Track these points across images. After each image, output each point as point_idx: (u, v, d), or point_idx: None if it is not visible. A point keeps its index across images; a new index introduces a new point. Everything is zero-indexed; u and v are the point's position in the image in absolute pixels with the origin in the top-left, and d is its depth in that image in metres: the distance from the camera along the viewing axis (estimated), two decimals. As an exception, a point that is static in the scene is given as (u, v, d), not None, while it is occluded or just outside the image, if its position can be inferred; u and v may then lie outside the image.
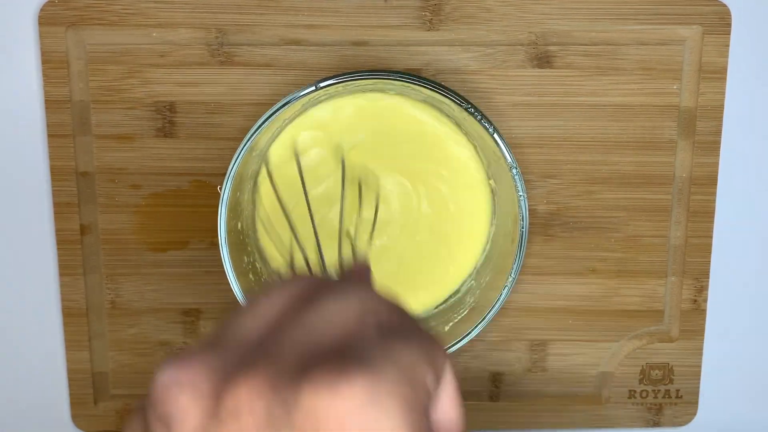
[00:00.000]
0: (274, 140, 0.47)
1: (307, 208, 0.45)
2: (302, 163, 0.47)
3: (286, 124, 0.47)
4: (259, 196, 0.48)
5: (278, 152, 0.47)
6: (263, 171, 0.47)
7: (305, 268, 0.43)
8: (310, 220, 0.45)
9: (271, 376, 0.22)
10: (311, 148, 0.47)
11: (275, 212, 0.47)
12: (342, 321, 0.24)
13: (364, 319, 0.24)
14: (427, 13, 0.48)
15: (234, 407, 0.22)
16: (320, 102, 0.47)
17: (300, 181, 0.46)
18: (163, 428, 0.23)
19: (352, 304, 0.25)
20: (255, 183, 0.48)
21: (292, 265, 0.45)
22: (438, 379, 0.24)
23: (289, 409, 0.21)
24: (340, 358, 0.22)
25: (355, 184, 0.48)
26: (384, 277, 0.49)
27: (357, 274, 0.33)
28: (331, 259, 0.45)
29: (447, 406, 0.25)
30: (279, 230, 0.47)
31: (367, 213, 0.47)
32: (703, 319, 0.52)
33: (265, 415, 0.21)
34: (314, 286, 0.26)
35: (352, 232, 0.47)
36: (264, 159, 0.47)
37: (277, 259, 0.49)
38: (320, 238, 0.45)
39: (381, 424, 0.21)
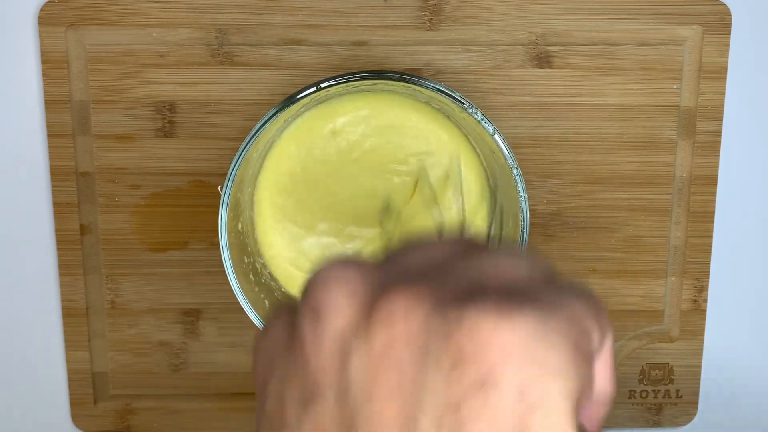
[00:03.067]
0: (274, 140, 0.47)
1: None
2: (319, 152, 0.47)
3: (287, 124, 0.47)
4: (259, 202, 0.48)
5: (279, 152, 0.47)
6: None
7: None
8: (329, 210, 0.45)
9: (433, 295, 0.21)
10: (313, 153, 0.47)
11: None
12: (511, 270, 0.23)
13: (534, 273, 0.23)
14: (427, 13, 0.48)
15: (390, 312, 0.21)
16: (321, 102, 0.47)
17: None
18: (311, 320, 0.22)
19: (520, 260, 0.23)
20: (255, 183, 0.48)
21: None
22: (602, 339, 0.23)
23: (449, 326, 0.20)
24: (511, 293, 0.21)
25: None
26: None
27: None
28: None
29: (602, 371, 0.24)
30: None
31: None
32: (703, 319, 0.52)
33: (421, 326, 0.20)
34: (479, 244, 0.25)
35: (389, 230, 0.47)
36: (266, 159, 0.47)
37: (278, 259, 0.49)
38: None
39: (548, 360, 0.20)
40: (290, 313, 0.23)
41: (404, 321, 0.21)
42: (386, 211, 0.47)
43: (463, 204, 0.47)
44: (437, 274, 0.22)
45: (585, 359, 0.21)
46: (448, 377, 0.20)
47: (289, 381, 0.22)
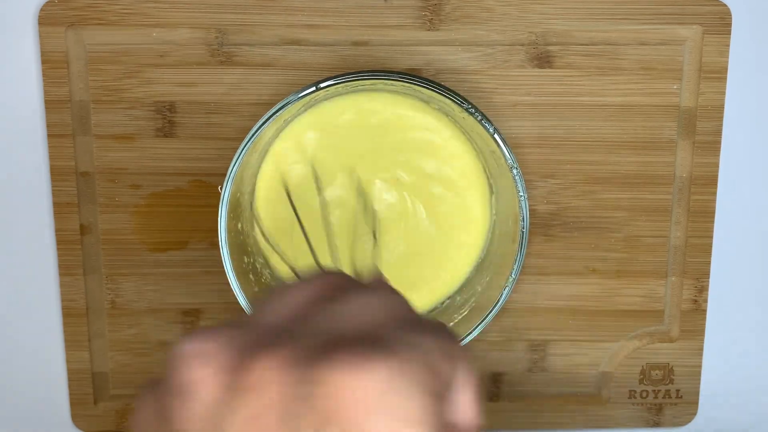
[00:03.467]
0: (274, 140, 0.47)
1: (312, 215, 0.45)
2: (315, 172, 0.47)
3: (287, 124, 0.47)
4: (257, 208, 0.48)
5: (279, 152, 0.47)
6: (266, 175, 0.47)
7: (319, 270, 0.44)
8: (315, 227, 0.45)
9: (293, 355, 0.22)
10: (316, 150, 0.47)
11: (278, 223, 0.47)
12: (367, 315, 0.24)
13: (388, 314, 0.24)
14: (427, 13, 0.48)
15: (253, 382, 0.21)
16: (320, 102, 0.47)
17: (313, 186, 0.46)
18: (177, 400, 0.22)
19: (378, 301, 0.25)
20: (255, 184, 0.48)
21: (296, 271, 0.45)
22: (454, 372, 0.24)
23: (309, 387, 0.21)
24: (364, 343, 0.22)
25: (360, 195, 0.48)
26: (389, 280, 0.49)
27: (374, 276, 0.33)
28: (340, 263, 0.45)
29: (465, 406, 0.25)
30: (283, 239, 0.47)
31: (369, 221, 0.48)
32: (703, 319, 0.52)
33: (284, 391, 0.21)
34: (340, 282, 0.26)
35: (357, 238, 0.47)
36: (264, 160, 0.47)
37: (278, 260, 0.49)
38: (333, 241, 0.45)
39: (402, 408, 0.21)
40: (157, 390, 0.24)
41: (268, 389, 0.21)
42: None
43: (375, 225, 0.48)
44: (297, 328, 0.23)
45: (437, 399, 0.22)
46: None
47: None
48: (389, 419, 0.21)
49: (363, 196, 0.47)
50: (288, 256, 0.47)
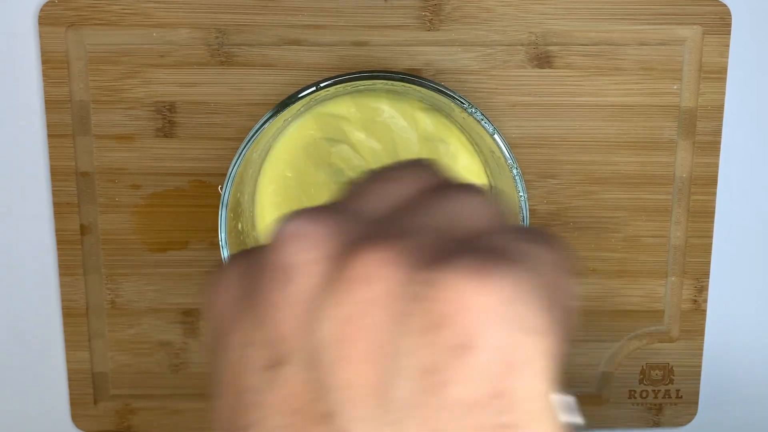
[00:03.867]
0: (274, 140, 0.47)
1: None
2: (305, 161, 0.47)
3: (287, 124, 0.47)
4: (259, 203, 0.48)
5: (279, 152, 0.47)
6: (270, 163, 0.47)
7: None
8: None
9: (410, 252, 0.20)
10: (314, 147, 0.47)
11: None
12: (477, 215, 0.22)
13: (497, 219, 0.23)
14: (427, 13, 0.48)
15: (360, 274, 0.20)
16: (320, 102, 0.47)
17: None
18: (277, 280, 0.21)
19: (484, 202, 0.23)
20: (255, 183, 0.48)
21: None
22: (566, 284, 0.23)
23: (424, 288, 0.19)
24: (486, 250, 0.20)
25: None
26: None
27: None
28: None
29: (569, 308, 0.23)
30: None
31: None
32: (703, 319, 0.52)
33: (396, 291, 0.20)
34: (438, 177, 0.24)
35: None
36: (266, 160, 0.47)
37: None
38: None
39: (526, 321, 0.20)
40: (247, 267, 0.22)
41: (377, 283, 0.20)
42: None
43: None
44: (405, 223, 0.21)
45: (559, 311, 0.21)
46: (425, 341, 0.19)
47: (251, 345, 0.21)
48: (512, 329, 0.19)
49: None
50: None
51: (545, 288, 0.21)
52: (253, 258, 0.22)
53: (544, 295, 0.20)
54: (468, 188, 0.23)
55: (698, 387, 0.53)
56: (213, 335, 0.22)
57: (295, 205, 0.48)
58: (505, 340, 0.19)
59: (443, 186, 0.23)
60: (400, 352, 0.19)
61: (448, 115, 0.47)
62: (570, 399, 0.22)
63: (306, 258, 0.20)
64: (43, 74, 0.48)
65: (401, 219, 0.22)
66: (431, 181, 0.24)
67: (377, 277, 0.20)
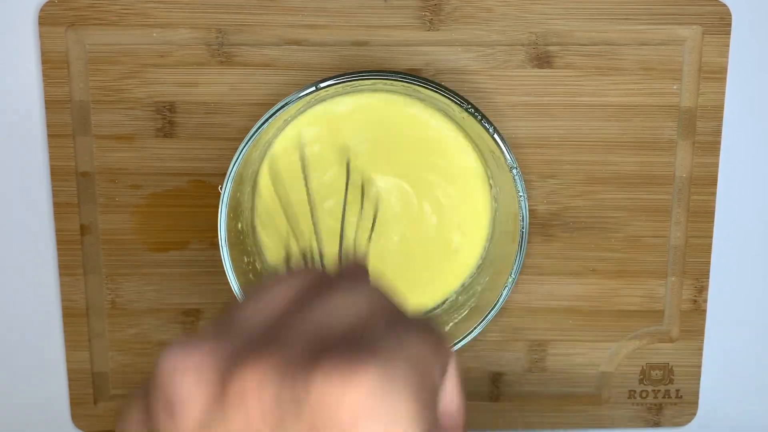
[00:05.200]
0: (274, 140, 0.47)
1: (307, 203, 0.45)
2: (303, 160, 0.47)
3: (287, 124, 0.47)
4: (259, 192, 0.48)
5: (279, 152, 0.47)
6: (264, 168, 0.47)
7: (303, 262, 0.43)
8: (309, 216, 0.45)
9: (279, 364, 0.21)
10: (313, 144, 0.47)
11: (275, 208, 0.47)
12: (351, 313, 0.24)
13: (372, 312, 0.24)
14: (427, 13, 0.48)
15: (241, 394, 0.21)
16: (320, 102, 0.47)
17: (301, 175, 0.46)
18: (166, 414, 0.22)
19: (360, 298, 0.24)
20: (255, 182, 0.48)
21: (290, 258, 0.45)
22: (444, 371, 0.24)
23: (298, 396, 0.21)
24: (351, 347, 0.22)
25: (357, 187, 0.48)
26: (384, 278, 0.49)
27: (355, 271, 0.33)
28: (328, 255, 0.45)
29: (450, 397, 0.25)
30: (278, 224, 0.47)
31: (368, 214, 0.48)
32: (703, 319, 0.52)
33: (273, 402, 0.21)
34: (319, 280, 0.26)
35: (352, 231, 0.47)
36: (265, 158, 0.47)
37: (276, 257, 0.49)
38: (320, 233, 0.45)
39: (393, 414, 0.21)
40: (145, 402, 0.23)
41: (257, 400, 0.21)
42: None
43: (375, 218, 0.47)
44: (280, 331, 0.23)
45: (428, 402, 0.22)
46: None
47: None
48: (381, 423, 0.21)
49: (366, 187, 0.47)
50: (283, 242, 0.47)
51: (414, 375, 0.22)
52: (149, 393, 0.23)
53: (413, 383, 0.22)
54: (347, 281, 0.25)
55: (698, 387, 0.53)
56: None
57: (294, 205, 0.48)
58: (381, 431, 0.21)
59: (320, 284, 0.25)
60: None
61: (448, 115, 0.47)
62: None
63: (189, 388, 0.22)
64: (43, 74, 0.48)
65: (276, 329, 0.23)
66: (308, 283, 0.25)
67: (255, 393, 0.21)
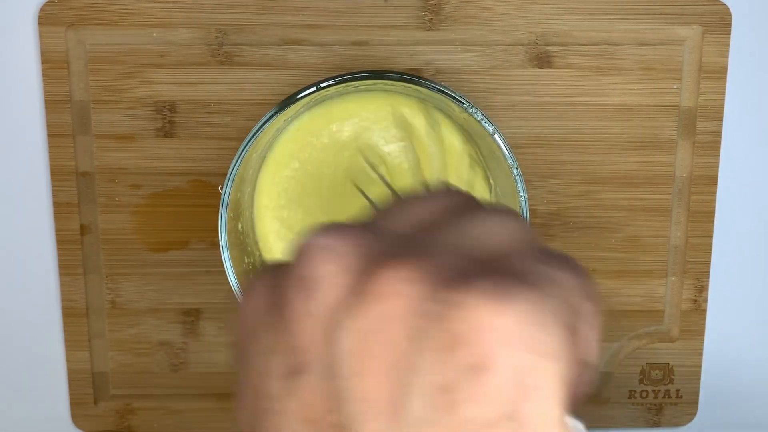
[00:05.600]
0: (274, 140, 0.47)
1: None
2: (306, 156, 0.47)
3: (287, 124, 0.47)
4: (259, 207, 0.48)
5: (279, 152, 0.47)
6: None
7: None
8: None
9: (428, 272, 0.20)
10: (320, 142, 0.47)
11: (283, 222, 0.47)
12: (503, 237, 0.23)
13: (520, 240, 0.23)
14: (427, 13, 0.48)
15: (382, 292, 0.20)
16: (321, 102, 0.47)
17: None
18: (300, 291, 0.21)
19: (508, 223, 0.23)
20: (255, 183, 0.48)
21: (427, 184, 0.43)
22: (586, 310, 0.23)
23: (443, 307, 0.20)
24: (505, 272, 0.21)
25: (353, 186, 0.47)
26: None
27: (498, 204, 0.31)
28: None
29: (590, 342, 0.24)
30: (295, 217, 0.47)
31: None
32: (703, 319, 0.52)
33: (414, 306, 0.20)
34: (467, 200, 0.24)
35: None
36: (263, 158, 0.47)
37: (275, 255, 0.49)
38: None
39: (542, 345, 0.20)
40: (275, 279, 0.23)
41: (396, 299, 0.20)
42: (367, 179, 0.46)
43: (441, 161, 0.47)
44: (428, 242, 0.22)
45: (575, 339, 0.21)
46: (442, 359, 0.20)
47: (274, 353, 0.22)
48: (528, 352, 0.20)
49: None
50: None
51: (564, 313, 0.21)
52: (282, 270, 0.22)
53: (563, 321, 0.21)
54: (495, 210, 0.24)
55: (698, 387, 0.53)
56: (239, 342, 0.23)
57: (295, 206, 0.48)
58: (519, 362, 0.20)
59: (469, 208, 0.24)
60: (416, 369, 0.20)
61: (448, 115, 0.47)
62: (580, 425, 0.23)
63: (329, 270, 0.21)
64: (43, 74, 0.48)
65: (425, 238, 0.22)
66: (457, 204, 0.24)
67: (397, 294, 0.20)
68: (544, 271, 0.22)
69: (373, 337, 0.20)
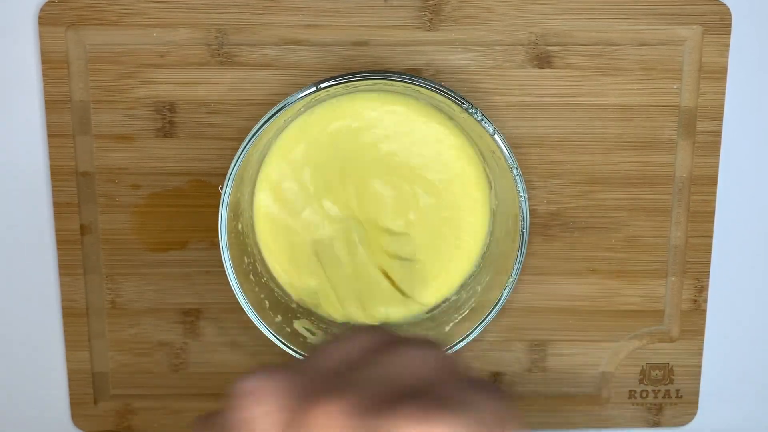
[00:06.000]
0: (275, 140, 0.47)
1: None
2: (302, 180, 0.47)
3: (287, 124, 0.47)
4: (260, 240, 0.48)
5: (279, 152, 0.47)
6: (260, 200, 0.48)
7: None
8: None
9: (355, 403, 0.22)
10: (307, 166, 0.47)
11: (278, 228, 0.47)
12: (423, 367, 0.25)
13: (443, 370, 0.25)
14: (427, 13, 0.48)
15: (313, 425, 0.22)
16: (321, 102, 0.47)
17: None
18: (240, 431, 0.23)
19: (432, 355, 0.25)
20: (255, 183, 0.48)
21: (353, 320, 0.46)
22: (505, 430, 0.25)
23: None
24: (427, 398, 0.22)
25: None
26: (383, 279, 0.49)
27: (423, 338, 0.34)
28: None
29: None
30: (283, 253, 0.48)
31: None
32: (703, 319, 0.52)
33: None
34: (390, 337, 0.27)
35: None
36: (263, 158, 0.47)
37: (277, 258, 0.49)
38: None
39: None
40: (212, 426, 0.24)
41: (333, 430, 0.22)
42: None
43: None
44: (355, 376, 0.24)
45: None
46: None
47: None
48: None
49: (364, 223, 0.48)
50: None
51: None
52: (219, 417, 0.24)
53: None
54: (416, 343, 0.26)
55: (698, 387, 0.53)
56: None
57: (295, 206, 0.48)
58: None
59: (393, 342, 0.26)
60: None
61: (448, 116, 0.47)
62: None
63: (263, 411, 0.23)
64: (43, 74, 0.48)
65: (351, 373, 0.24)
66: (382, 339, 0.26)
67: (332, 425, 0.22)
68: (465, 395, 0.23)
69: None
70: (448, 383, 0.24)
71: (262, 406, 0.23)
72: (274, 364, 0.25)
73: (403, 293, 0.49)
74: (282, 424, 0.22)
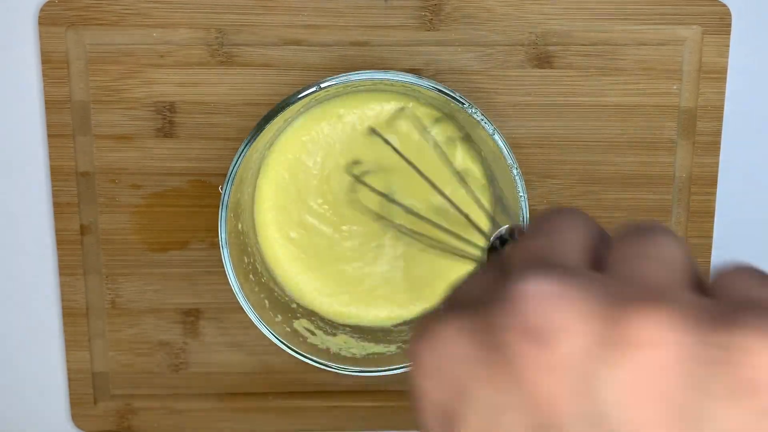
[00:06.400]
0: (275, 140, 0.47)
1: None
2: (310, 163, 0.47)
3: (287, 124, 0.47)
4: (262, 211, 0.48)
5: (279, 152, 0.47)
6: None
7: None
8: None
9: (686, 313, 0.19)
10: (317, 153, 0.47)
11: (283, 219, 0.47)
12: (676, 257, 0.21)
13: (692, 263, 0.21)
14: (427, 13, 0.48)
15: (649, 336, 0.18)
16: (321, 102, 0.47)
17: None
18: (532, 343, 0.19)
19: (678, 245, 0.22)
20: (255, 183, 0.48)
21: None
22: None
23: (725, 352, 0.18)
24: (755, 306, 0.19)
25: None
26: (384, 280, 0.49)
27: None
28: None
29: None
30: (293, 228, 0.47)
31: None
32: (703, 319, 0.52)
33: (690, 352, 0.18)
34: (598, 226, 0.23)
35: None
36: (263, 156, 0.47)
37: (277, 258, 0.49)
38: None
39: None
40: (480, 325, 0.20)
41: (667, 346, 0.19)
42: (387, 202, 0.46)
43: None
44: (648, 278, 0.20)
45: None
46: (734, 405, 0.18)
47: (503, 411, 0.20)
48: None
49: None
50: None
51: None
52: (485, 316, 0.20)
53: None
54: (653, 230, 0.22)
55: (698, 387, 0.53)
56: (439, 399, 0.21)
57: (295, 206, 0.48)
58: None
59: (632, 231, 0.22)
60: (703, 417, 0.19)
61: (447, 116, 0.47)
62: None
63: (572, 323, 0.19)
64: (43, 74, 0.48)
65: (631, 273, 0.20)
66: (597, 230, 0.22)
67: (666, 341, 0.19)
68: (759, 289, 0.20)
69: (646, 388, 0.19)
70: (741, 280, 0.21)
71: (569, 313, 0.19)
72: (549, 263, 0.20)
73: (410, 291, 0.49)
74: (598, 335, 0.19)
